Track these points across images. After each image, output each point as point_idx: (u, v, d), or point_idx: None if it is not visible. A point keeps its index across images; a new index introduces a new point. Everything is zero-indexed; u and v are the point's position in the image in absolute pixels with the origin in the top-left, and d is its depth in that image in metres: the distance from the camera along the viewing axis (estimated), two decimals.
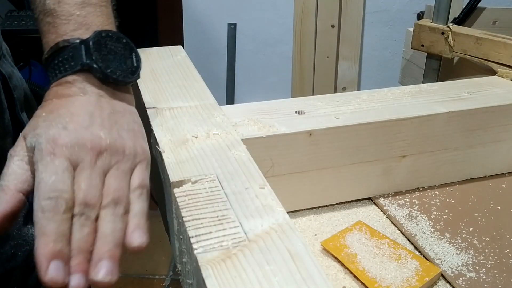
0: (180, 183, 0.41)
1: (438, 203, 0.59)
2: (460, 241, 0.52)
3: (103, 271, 0.34)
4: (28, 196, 0.37)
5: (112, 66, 0.42)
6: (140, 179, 0.40)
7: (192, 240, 0.35)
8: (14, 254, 0.57)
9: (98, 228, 0.36)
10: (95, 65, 0.41)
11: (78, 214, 0.35)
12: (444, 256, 0.50)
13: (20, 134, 0.40)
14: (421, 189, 0.62)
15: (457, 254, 0.50)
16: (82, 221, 0.35)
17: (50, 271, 0.32)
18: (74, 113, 0.39)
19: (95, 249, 0.35)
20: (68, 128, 0.38)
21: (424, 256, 0.51)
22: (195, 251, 0.34)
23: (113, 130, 0.40)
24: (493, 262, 0.49)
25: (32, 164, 0.37)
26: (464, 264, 0.49)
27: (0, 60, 0.58)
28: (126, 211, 0.37)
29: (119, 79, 0.43)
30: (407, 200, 0.59)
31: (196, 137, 0.48)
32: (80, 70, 0.42)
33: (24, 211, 0.58)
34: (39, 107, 0.42)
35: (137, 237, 0.36)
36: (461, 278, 0.47)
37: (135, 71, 0.45)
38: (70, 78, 0.42)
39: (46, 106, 0.41)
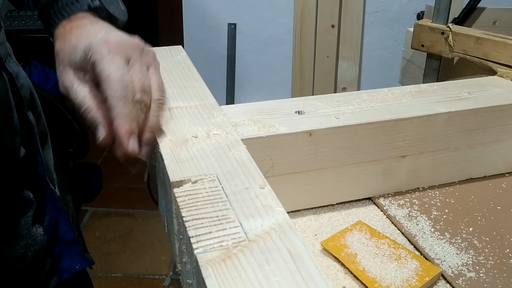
0: (180, 183, 0.41)
1: (438, 203, 0.59)
2: (460, 241, 0.52)
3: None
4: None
5: (111, 8, 0.50)
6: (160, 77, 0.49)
7: (192, 240, 0.35)
8: (23, 254, 0.57)
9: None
10: (100, 5, 0.48)
11: (139, 101, 0.43)
12: (444, 256, 0.50)
13: (58, 66, 0.46)
14: (421, 189, 0.62)
15: (457, 254, 0.50)
16: (142, 107, 0.43)
17: (131, 145, 0.42)
18: (101, 29, 0.46)
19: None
20: (110, 35, 0.45)
21: (424, 256, 0.51)
22: (195, 251, 0.34)
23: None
24: (493, 262, 0.49)
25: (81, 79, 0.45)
26: (464, 264, 0.49)
27: (6, 59, 0.58)
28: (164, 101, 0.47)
29: (119, 18, 0.50)
30: (407, 200, 0.59)
31: (196, 137, 0.48)
32: (86, 11, 0.48)
33: (32, 211, 0.59)
34: (59, 39, 0.47)
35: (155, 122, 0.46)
36: (461, 278, 0.47)
37: (125, 14, 0.53)
38: (79, 15, 0.48)
39: (68, 34, 0.46)
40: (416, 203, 0.59)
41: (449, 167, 0.62)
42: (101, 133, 0.43)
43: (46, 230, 0.60)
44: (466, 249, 0.51)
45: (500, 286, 0.47)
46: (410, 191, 0.61)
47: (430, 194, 0.61)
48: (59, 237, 0.64)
